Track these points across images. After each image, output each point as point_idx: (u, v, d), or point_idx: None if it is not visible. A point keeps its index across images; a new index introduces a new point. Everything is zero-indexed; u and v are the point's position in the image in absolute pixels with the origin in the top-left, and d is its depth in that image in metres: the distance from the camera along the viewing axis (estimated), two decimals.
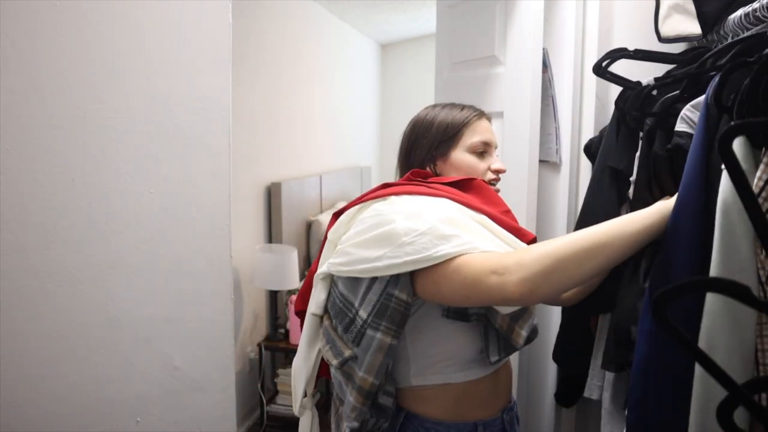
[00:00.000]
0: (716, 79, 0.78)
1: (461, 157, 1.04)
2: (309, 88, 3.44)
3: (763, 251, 0.64)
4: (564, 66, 1.68)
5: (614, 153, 1.25)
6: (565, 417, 1.74)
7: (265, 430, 2.67)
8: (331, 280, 1.00)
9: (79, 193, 0.95)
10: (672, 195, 0.82)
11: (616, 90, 1.32)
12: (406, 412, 0.96)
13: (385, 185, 1.00)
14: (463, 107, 1.07)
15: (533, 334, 0.94)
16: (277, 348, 2.69)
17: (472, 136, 1.04)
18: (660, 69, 1.20)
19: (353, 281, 0.92)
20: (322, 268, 0.98)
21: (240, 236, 2.59)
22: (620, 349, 1.04)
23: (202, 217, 1.11)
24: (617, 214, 1.22)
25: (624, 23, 1.61)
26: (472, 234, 0.87)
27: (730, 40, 1.01)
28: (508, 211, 1.00)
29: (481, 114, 1.07)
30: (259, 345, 2.68)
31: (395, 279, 0.86)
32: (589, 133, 1.65)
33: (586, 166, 1.65)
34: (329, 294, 1.00)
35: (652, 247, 0.83)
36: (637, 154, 1.13)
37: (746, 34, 0.94)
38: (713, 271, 0.66)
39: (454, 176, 1.02)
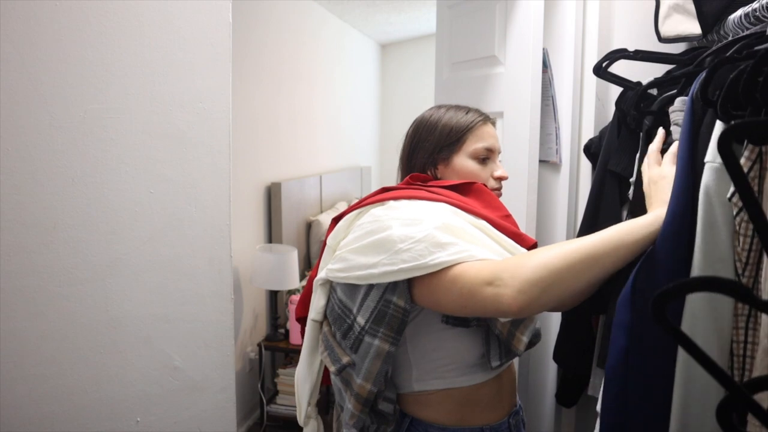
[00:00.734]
0: (703, 74, 0.78)
1: (463, 163, 1.01)
2: (309, 88, 3.44)
3: (740, 243, 0.65)
4: (564, 66, 1.68)
5: (615, 154, 1.26)
6: (565, 417, 1.74)
7: (265, 430, 2.66)
8: (330, 285, 0.99)
9: (79, 193, 0.95)
10: None
11: (616, 90, 1.32)
12: (411, 418, 0.95)
13: (385, 189, 0.98)
14: (468, 110, 1.05)
15: (536, 338, 0.92)
16: (277, 348, 2.69)
17: (476, 142, 1.01)
18: (660, 69, 1.20)
19: (351, 287, 0.91)
20: (321, 273, 0.97)
21: (240, 236, 2.59)
22: None
23: (202, 217, 1.11)
24: (620, 218, 1.22)
25: (624, 23, 1.61)
26: (471, 240, 0.85)
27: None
28: (508, 216, 0.98)
29: (486, 119, 1.04)
30: (259, 345, 2.68)
31: (393, 285, 0.85)
32: (589, 133, 1.65)
33: (586, 166, 1.65)
34: (328, 300, 0.99)
35: None
36: (637, 155, 1.13)
37: (745, 33, 0.94)
38: (696, 260, 0.69)
39: (455, 180, 1.01)
